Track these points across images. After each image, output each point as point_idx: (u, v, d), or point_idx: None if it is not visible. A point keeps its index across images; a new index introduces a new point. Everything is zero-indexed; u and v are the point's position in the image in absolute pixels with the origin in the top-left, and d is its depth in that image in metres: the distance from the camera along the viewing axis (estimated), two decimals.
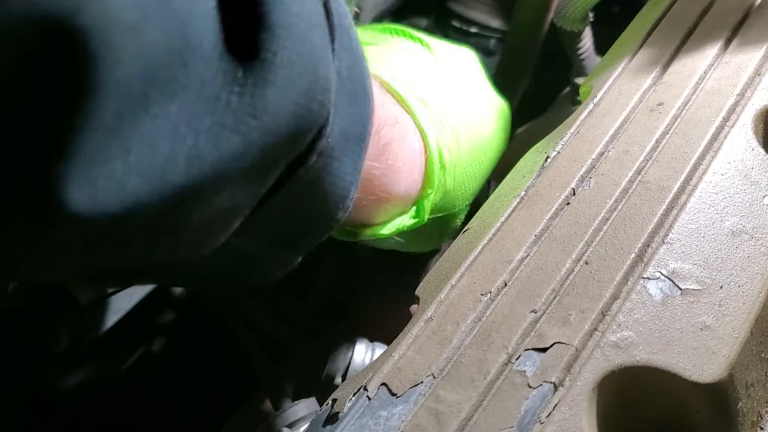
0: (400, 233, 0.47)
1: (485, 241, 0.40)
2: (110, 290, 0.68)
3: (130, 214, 0.24)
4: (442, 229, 0.52)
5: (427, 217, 0.46)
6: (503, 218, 0.41)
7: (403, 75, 0.46)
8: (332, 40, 0.29)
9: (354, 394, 0.35)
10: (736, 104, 0.43)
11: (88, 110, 0.22)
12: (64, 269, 0.29)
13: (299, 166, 0.31)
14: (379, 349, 0.53)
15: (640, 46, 0.51)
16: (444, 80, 0.48)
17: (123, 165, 0.23)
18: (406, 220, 0.46)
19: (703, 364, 0.32)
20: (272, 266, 0.38)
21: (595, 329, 0.34)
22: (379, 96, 0.40)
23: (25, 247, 0.25)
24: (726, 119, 0.43)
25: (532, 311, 0.36)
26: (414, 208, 0.46)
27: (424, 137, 0.45)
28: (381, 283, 0.66)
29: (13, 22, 0.20)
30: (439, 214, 0.48)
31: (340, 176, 0.34)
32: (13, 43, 0.20)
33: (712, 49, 0.47)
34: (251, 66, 0.25)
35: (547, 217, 0.40)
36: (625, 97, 0.46)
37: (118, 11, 0.21)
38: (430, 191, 0.45)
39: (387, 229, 0.45)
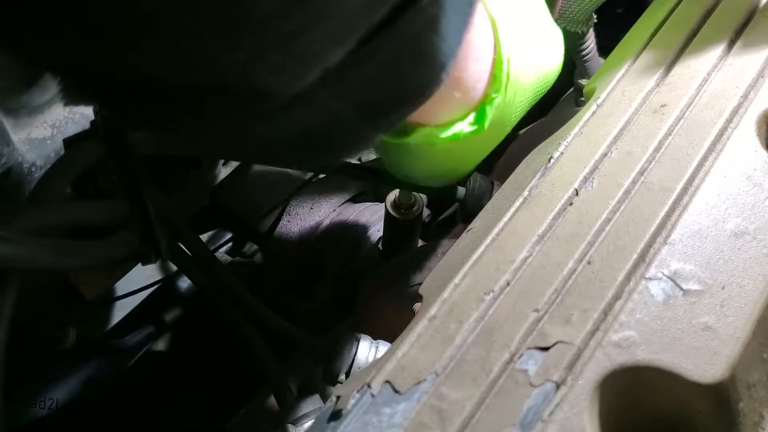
0: (434, 157, 0.45)
1: (488, 241, 0.41)
2: (116, 293, 0.68)
3: None
4: (468, 157, 0.50)
5: (486, 125, 0.44)
6: (506, 218, 0.42)
7: None
8: None
9: (358, 391, 0.35)
10: (739, 106, 0.44)
11: None
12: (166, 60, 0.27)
13: (409, 6, 0.30)
14: (383, 346, 0.53)
15: (644, 48, 0.51)
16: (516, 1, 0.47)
17: None
18: (464, 127, 0.44)
19: (704, 364, 0.32)
20: (350, 139, 0.37)
21: (597, 329, 0.34)
22: None
23: None
24: (729, 121, 0.43)
25: (534, 310, 0.36)
26: (474, 114, 0.44)
27: (496, 37, 0.43)
28: (385, 281, 0.67)
29: None
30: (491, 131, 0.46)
31: (446, 37, 0.32)
32: None
33: (716, 51, 0.47)
34: None
35: (550, 217, 0.40)
36: (628, 98, 0.47)
37: None
38: (495, 95, 0.43)
39: (445, 134, 0.44)
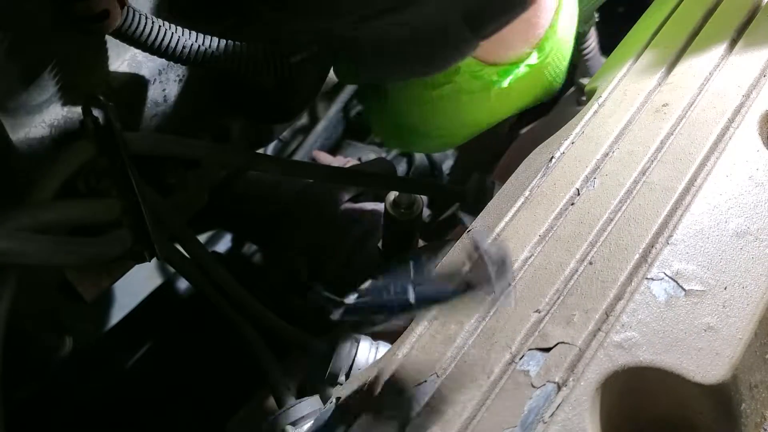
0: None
1: (489, 241, 0.40)
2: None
3: None
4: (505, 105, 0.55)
5: (547, 54, 0.50)
6: (507, 218, 0.41)
7: None
8: None
9: (357, 393, 0.35)
10: (741, 105, 0.43)
11: None
12: None
13: None
14: (383, 347, 0.53)
15: (645, 47, 0.51)
16: None
17: None
18: (527, 65, 0.50)
19: (706, 365, 0.32)
20: (454, 43, 0.39)
21: (599, 329, 0.34)
22: None
23: None
24: (731, 120, 0.43)
25: (536, 311, 0.36)
26: (534, 52, 0.50)
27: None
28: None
29: None
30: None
31: None
32: None
33: (718, 51, 0.47)
34: None
35: (552, 217, 0.40)
36: (630, 97, 0.46)
37: None
38: (551, 32, 0.50)
39: (512, 74, 0.50)
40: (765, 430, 0.35)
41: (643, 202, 0.39)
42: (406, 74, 0.51)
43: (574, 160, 0.43)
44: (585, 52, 0.68)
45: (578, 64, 0.71)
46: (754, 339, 0.34)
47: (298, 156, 1.15)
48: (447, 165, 1.20)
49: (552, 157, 0.44)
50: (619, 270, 0.36)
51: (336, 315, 0.32)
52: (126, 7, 0.43)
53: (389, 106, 0.58)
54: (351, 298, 0.33)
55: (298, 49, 0.50)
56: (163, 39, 0.45)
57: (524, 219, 0.41)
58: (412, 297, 0.31)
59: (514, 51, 0.49)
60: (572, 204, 0.41)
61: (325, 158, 0.93)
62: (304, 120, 1.22)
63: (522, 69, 0.50)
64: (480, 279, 0.30)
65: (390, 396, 0.34)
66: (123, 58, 0.50)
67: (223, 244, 1.08)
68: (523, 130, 0.75)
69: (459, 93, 0.51)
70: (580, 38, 0.67)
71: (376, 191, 0.85)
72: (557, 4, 0.50)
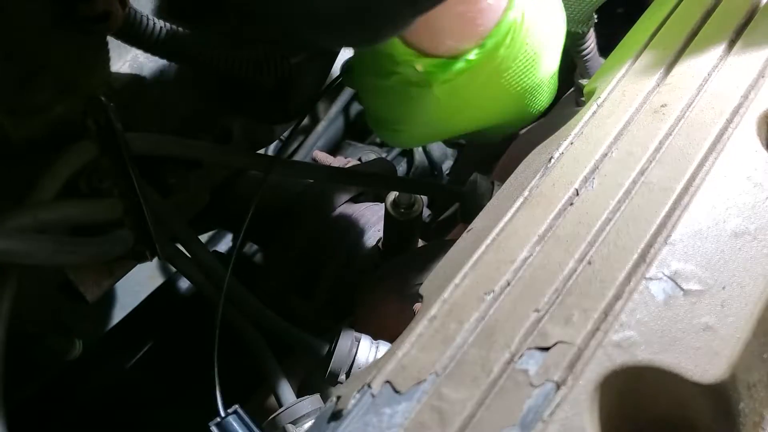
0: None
1: (489, 241, 0.41)
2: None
3: None
4: (463, 105, 0.51)
5: (490, 52, 0.47)
6: (507, 218, 0.42)
7: None
8: None
9: (358, 391, 0.35)
10: (739, 106, 0.44)
11: None
12: None
13: None
14: (383, 346, 0.53)
15: (644, 48, 0.51)
16: None
17: None
18: (465, 59, 0.47)
19: (705, 364, 0.32)
20: (390, 13, 0.39)
21: (598, 329, 0.34)
22: None
23: None
24: (729, 121, 0.43)
25: (535, 310, 0.36)
26: (475, 50, 0.47)
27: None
28: (385, 281, 0.67)
29: None
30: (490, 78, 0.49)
31: None
32: None
33: (716, 51, 0.47)
34: None
35: (551, 217, 0.40)
36: (628, 98, 0.47)
37: None
38: (502, 27, 0.46)
39: (449, 68, 0.47)
40: (763, 429, 0.35)
41: (641, 202, 0.40)
42: (337, 42, 0.50)
43: (573, 160, 0.44)
44: (584, 53, 0.68)
45: (577, 65, 0.71)
46: (753, 338, 0.34)
47: (299, 156, 1.15)
48: (447, 165, 1.20)
49: (551, 158, 0.44)
50: (617, 270, 0.36)
51: None
52: (128, 8, 0.43)
53: (361, 98, 0.58)
54: None
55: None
56: (164, 40, 0.46)
57: (523, 219, 0.41)
58: None
59: (450, 44, 0.47)
60: (571, 204, 0.41)
61: (326, 158, 0.93)
62: (304, 120, 1.23)
63: (460, 63, 0.48)
64: None
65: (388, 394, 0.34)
66: (124, 59, 0.50)
67: (224, 244, 1.08)
68: (522, 131, 0.75)
69: (406, 85, 0.49)
70: (579, 39, 0.67)
71: (376, 191, 0.85)
72: (506, 4, 0.47)
